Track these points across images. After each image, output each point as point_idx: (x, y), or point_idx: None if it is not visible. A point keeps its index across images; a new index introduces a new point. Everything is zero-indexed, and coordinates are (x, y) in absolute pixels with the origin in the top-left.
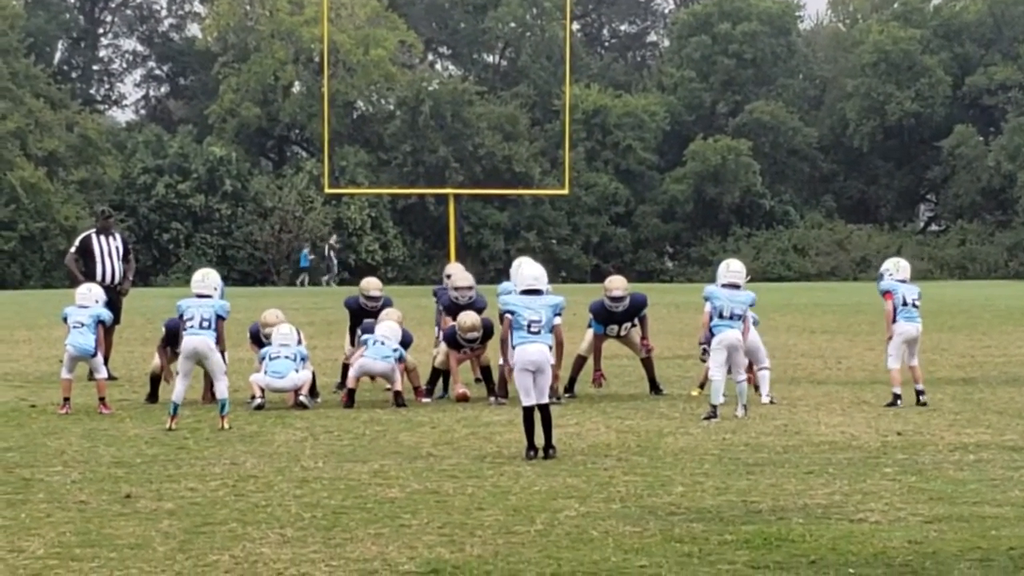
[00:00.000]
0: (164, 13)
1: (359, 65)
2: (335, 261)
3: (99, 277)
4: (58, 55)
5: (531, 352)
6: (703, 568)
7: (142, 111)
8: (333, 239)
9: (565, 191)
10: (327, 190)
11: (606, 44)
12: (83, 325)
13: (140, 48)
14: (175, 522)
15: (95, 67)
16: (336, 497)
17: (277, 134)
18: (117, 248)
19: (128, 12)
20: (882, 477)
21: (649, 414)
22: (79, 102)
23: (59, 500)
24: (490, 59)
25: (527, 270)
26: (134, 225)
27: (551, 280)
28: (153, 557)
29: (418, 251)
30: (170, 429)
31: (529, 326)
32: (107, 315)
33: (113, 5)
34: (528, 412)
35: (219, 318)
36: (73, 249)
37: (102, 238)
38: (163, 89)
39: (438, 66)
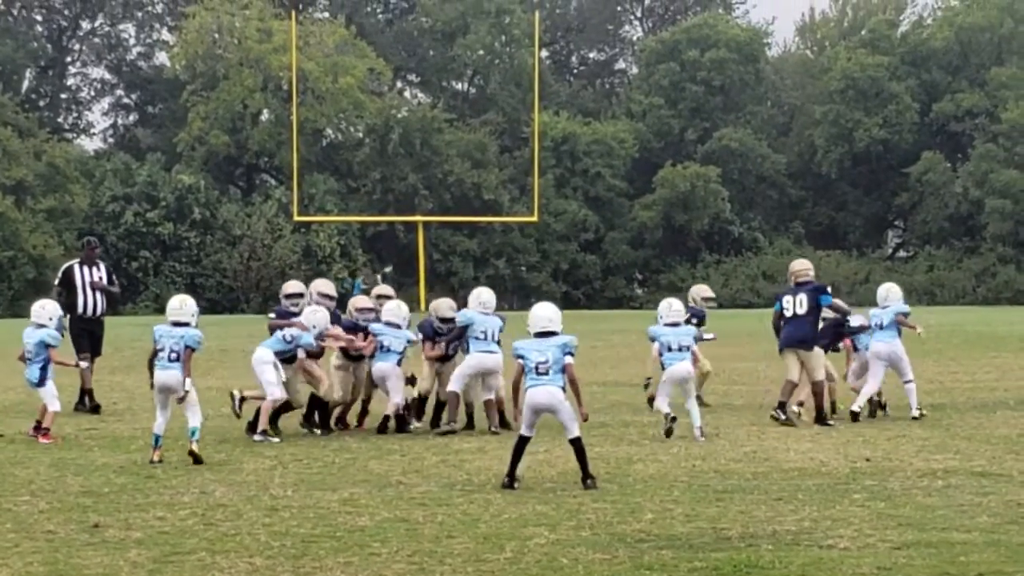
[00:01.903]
0: (132, 42)
1: (328, 93)
2: None
3: (80, 309)
4: (26, 83)
5: (539, 395)
6: None
7: (110, 139)
8: (387, 270)
9: (534, 218)
10: (296, 218)
11: (575, 71)
12: (31, 356)
13: (108, 76)
14: (143, 551)
15: (63, 95)
16: (305, 525)
17: (246, 162)
18: (100, 278)
19: (96, 40)
20: (851, 503)
21: (619, 441)
22: (47, 131)
23: (27, 530)
24: (459, 86)
25: (539, 311)
26: (103, 253)
27: (521, 307)
28: None
29: (388, 278)
30: (154, 461)
31: (537, 368)
32: (52, 335)
33: (81, 34)
34: (521, 441)
35: (188, 348)
36: (57, 281)
37: (85, 269)
38: (131, 117)
39: (407, 93)
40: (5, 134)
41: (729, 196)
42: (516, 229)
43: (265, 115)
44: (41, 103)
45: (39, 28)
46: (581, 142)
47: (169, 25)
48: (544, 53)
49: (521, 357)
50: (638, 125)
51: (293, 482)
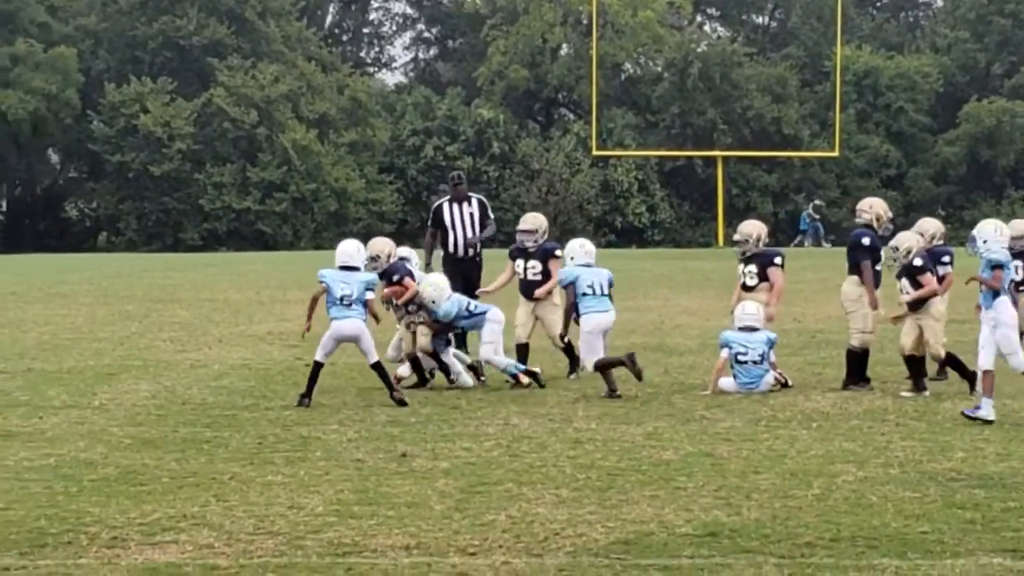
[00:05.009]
0: None
1: (627, 27)
2: (815, 226)
3: (451, 248)
4: (329, 18)
5: (345, 327)
6: (986, 535)
7: (411, 73)
8: (816, 203)
9: (835, 153)
10: (594, 152)
11: (878, 4)
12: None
13: (410, 11)
14: (451, 481)
15: (365, 30)
16: (610, 458)
17: (545, 96)
18: (472, 215)
19: None
20: None
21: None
22: (349, 65)
23: (336, 458)
24: (759, 20)
25: (344, 247)
26: (403, 187)
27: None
28: (430, 515)
29: (685, 214)
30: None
31: (342, 299)
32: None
33: None
34: (317, 366)
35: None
36: (429, 222)
37: (455, 206)
38: (432, 51)
39: (707, 27)
40: (309, 68)
41: None
42: (816, 164)
43: (564, 49)
44: (344, 38)
45: None
46: (884, 76)
47: None
48: None
49: (327, 287)
50: (943, 59)
51: (597, 415)
